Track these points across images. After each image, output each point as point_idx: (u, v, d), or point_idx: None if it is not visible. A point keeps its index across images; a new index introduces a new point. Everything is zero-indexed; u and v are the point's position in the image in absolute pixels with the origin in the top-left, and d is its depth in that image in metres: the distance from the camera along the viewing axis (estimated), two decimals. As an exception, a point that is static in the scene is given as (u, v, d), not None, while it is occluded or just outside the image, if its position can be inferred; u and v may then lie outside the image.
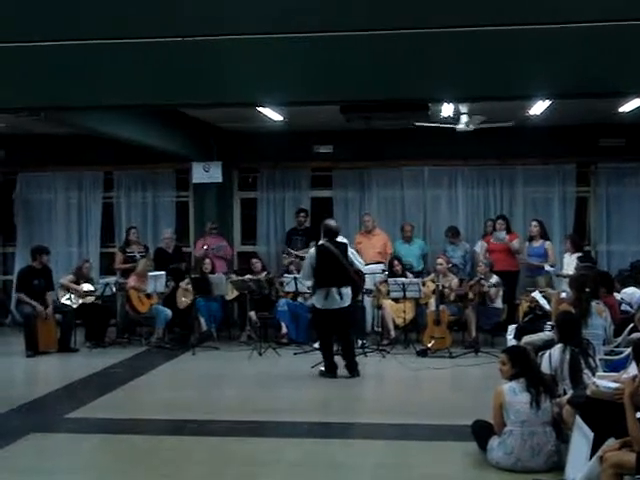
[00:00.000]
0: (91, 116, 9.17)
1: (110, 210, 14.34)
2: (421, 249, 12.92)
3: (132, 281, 11.92)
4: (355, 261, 9.60)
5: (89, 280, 12.09)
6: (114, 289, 11.91)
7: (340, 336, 9.61)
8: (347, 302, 9.48)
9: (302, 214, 13.30)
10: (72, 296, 11.82)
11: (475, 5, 5.85)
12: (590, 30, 5.81)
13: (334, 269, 9.29)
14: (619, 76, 6.03)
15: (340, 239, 9.64)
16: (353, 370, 9.44)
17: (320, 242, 9.65)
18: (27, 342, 11.12)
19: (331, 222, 9.85)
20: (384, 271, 12.02)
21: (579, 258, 11.24)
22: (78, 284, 11.95)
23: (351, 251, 9.69)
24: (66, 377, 9.70)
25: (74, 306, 11.73)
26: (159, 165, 13.84)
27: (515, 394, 5.95)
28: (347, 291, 9.40)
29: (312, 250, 9.63)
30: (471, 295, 11.28)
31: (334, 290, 9.28)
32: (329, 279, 9.31)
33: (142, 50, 6.19)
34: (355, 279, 9.52)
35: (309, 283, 10.07)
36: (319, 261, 9.35)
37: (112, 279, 12.23)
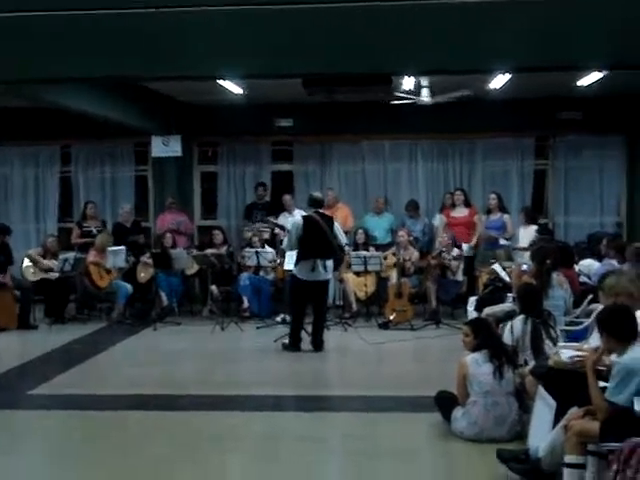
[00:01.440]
0: (50, 89, 9.02)
1: (68, 185, 14.14)
2: (390, 223, 12.91)
3: (91, 256, 11.79)
4: (339, 236, 9.61)
5: (55, 255, 11.91)
6: (73, 264, 11.75)
7: (316, 308, 9.61)
8: (330, 275, 9.58)
9: (261, 188, 13.26)
10: (35, 269, 11.68)
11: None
12: (550, 4, 5.86)
13: (320, 240, 9.26)
14: (578, 50, 6.10)
15: (304, 213, 9.64)
16: (319, 346, 9.46)
17: (305, 213, 9.62)
18: (-15, 319, 11.00)
19: (316, 193, 9.93)
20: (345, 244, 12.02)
21: (537, 230, 11.37)
22: (45, 258, 11.81)
23: (337, 226, 9.70)
24: (27, 354, 9.61)
25: (33, 279, 11.59)
26: (117, 139, 13.65)
27: (478, 365, 6.04)
28: (330, 263, 9.42)
29: (298, 220, 9.53)
30: (432, 265, 11.36)
31: (319, 262, 9.27)
32: (315, 250, 9.26)
33: (102, 22, 6.11)
34: (337, 252, 9.53)
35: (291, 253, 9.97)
36: (305, 231, 9.29)
37: (71, 255, 12.04)
